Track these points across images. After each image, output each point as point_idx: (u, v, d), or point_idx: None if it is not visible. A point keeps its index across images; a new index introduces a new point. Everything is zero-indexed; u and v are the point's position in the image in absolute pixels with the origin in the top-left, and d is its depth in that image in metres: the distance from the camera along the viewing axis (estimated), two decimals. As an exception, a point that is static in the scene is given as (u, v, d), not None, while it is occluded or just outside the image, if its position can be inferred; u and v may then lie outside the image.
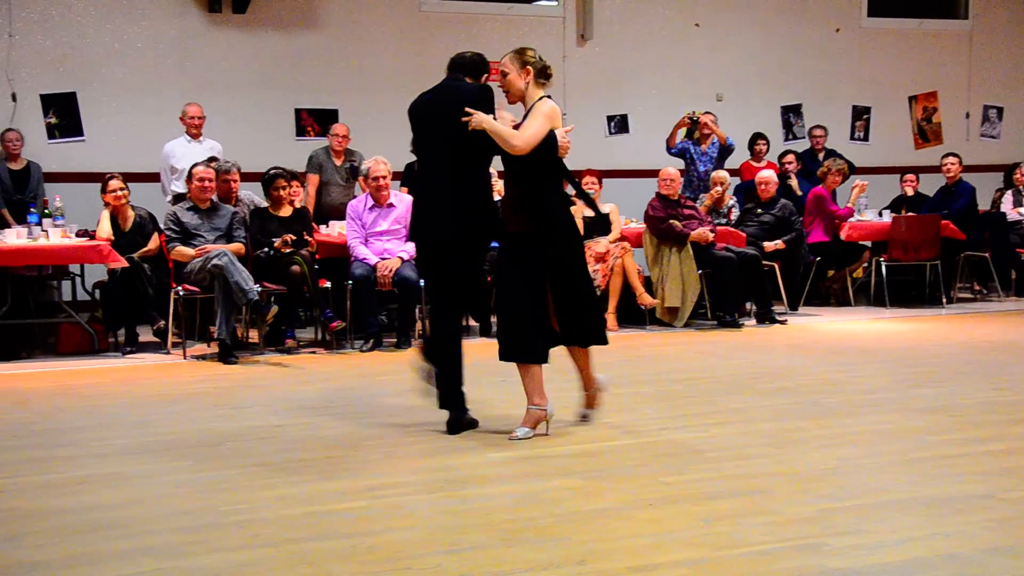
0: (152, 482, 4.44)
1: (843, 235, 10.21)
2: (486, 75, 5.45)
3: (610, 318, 9.04)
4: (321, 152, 9.60)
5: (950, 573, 3.31)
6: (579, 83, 11.57)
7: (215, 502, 4.11)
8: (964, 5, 13.18)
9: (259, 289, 7.57)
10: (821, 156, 11.33)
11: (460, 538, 3.66)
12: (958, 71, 13.07)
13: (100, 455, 4.90)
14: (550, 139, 5.05)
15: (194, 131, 9.25)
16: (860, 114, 12.76)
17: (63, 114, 10.05)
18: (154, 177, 9.51)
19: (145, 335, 8.22)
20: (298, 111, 10.75)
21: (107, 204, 8.20)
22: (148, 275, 7.95)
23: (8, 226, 8.52)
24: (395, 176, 8.65)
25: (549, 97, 5.19)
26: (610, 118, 11.81)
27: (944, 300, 10.43)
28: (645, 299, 9.01)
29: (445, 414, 5.22)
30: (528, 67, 5.16)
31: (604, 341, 5.29)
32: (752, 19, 12.21)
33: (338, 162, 9.47)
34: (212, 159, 8.66)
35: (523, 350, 5.07)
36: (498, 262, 5.26)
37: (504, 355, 5.11)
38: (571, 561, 3.42)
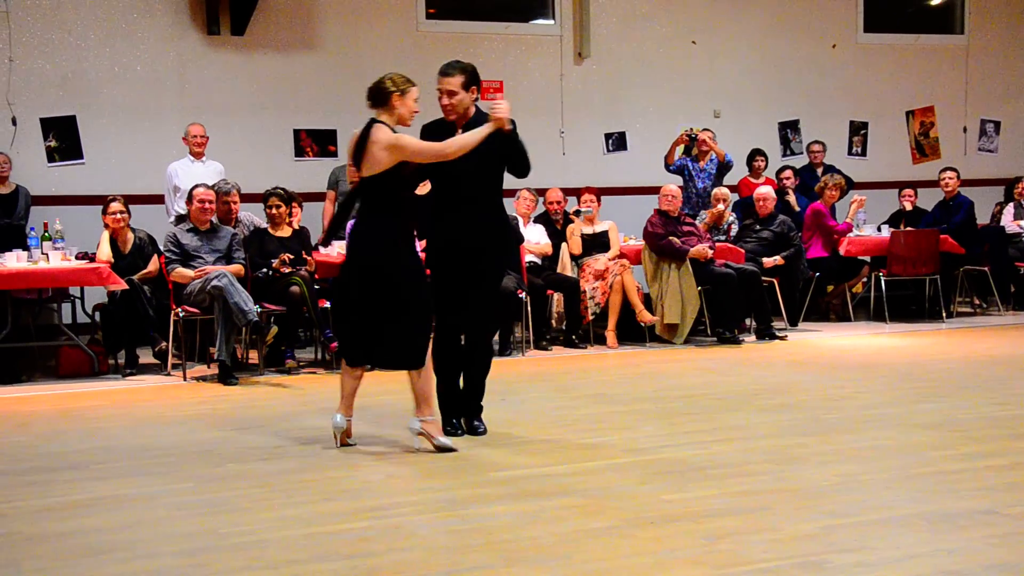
0: (152, 505, 4.43)
1: (842, 250, 10.22)
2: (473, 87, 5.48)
3: (610, 335, 9.05)
4: (339, 169, 9.77)
5: (953, 589, 3.30)
6: (576, 101, 11.61)
7: (216, 524, 4.10)
8: (960, 20, 13.23)
9: (259, 310, 7.57)
10: (819, 171, 11.36)
11: (461, 558, 3.65)
12: (955, 86, 13.11)
13: (100, 478, 4.89)
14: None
15: (197, 151, 9.28)
16: (857, 129, 12.79)
17: (63, 137, 10.08)
18: (154, 199, 9.54)
19: (145, 357, 8.22)
20: (297, 132, 10.78)
21: (107, 226, 8.22)
22: (148, 297, 7.96)
23: None
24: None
25: (378, 122, 5.20)
26: (608, 136, 11.84)
27: (944, 315, 10.42)
28: (644, 316, 9.01)
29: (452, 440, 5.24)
30: None
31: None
32: (749, 36, 12.26)
33: None
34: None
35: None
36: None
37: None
38: (573, 581, 3.41)
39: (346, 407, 5.35)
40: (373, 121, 5.20)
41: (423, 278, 5.29)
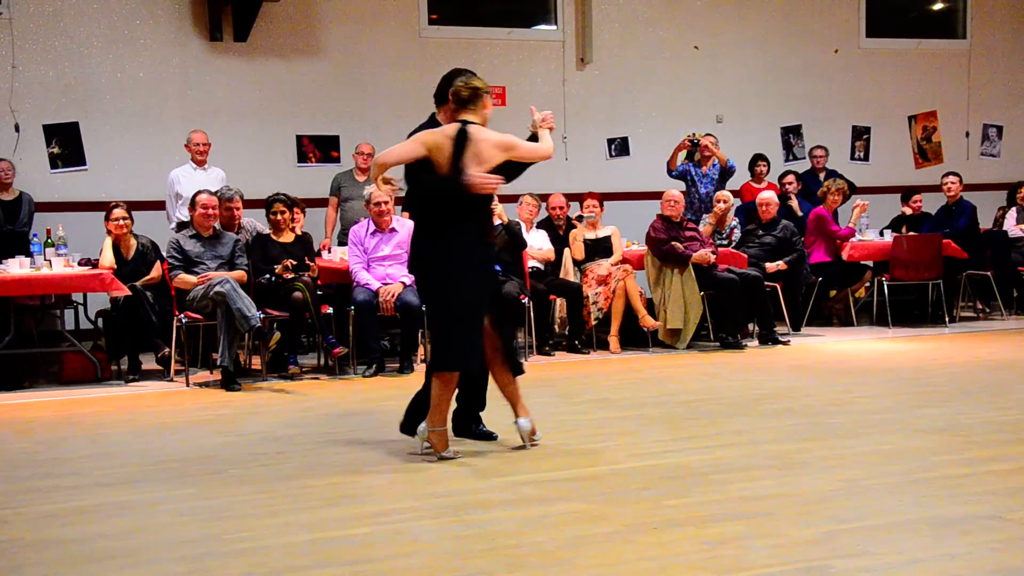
0: (155, 511, 4.43)
1: (845, 255, 10.21)
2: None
3: (612, 341, 9.05)
4: (341, 175, 9.78)
5: (956, 594, 3.30)
6: (579, 106, 11.61)
7: (218, 530, 4.10)
8: (962, 25, 13.24)
9: (261, 316, 7.58)
10: (822, 176, 11.36)
11: (464, 563, 3.65)
12: (957, 90, 13.11)
13: (103, 484, 4.89)
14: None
15: (199, 158, 9.29)
16: (860, 134, 12.79)
17: (66, 144, 10.09)
18: (157, 205, 9.56)
19: (148, 363, 8.23)
20: (299, 138, 10.79)
21: (110, 232, 8.24)
22: (151, 303, 7.97)
23: None
24: (397, 201, 8.68)
25: (470, 123, 5.17)
26: (610, 141, 11.84)
27: (947, 319, 10.41)
28: (647, 321, 9.00)
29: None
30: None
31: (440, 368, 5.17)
32: (751, 41, 12.26)
33: (360, 179, 9.57)
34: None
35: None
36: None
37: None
38: (575, 586, 3.41)
39: (516, 409, 5.39)
40: (464, 122, 5.14)
41: (475, 286, 5.12)
